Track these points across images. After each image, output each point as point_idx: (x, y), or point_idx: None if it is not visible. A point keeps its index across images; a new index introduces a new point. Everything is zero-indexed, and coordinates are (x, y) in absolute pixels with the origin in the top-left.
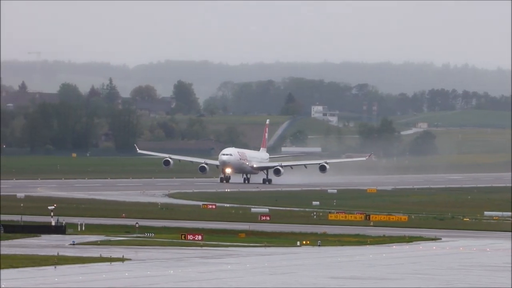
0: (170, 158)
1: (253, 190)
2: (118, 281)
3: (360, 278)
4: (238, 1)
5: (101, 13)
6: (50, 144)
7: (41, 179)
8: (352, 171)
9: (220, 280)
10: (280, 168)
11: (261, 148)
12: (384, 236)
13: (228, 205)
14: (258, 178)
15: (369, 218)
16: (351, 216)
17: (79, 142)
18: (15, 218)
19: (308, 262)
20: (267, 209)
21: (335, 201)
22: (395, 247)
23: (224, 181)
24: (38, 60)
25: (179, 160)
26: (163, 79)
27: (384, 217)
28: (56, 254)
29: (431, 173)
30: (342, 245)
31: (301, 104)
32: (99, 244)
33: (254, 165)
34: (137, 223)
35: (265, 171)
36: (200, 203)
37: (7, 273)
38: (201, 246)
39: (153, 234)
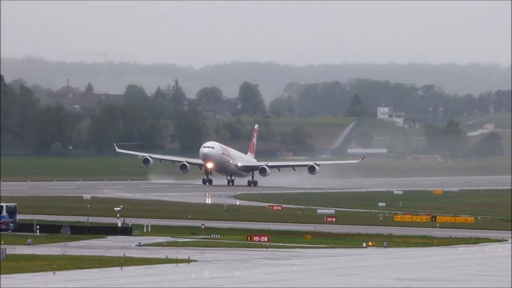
0: (150, 157)
1: (320, 191)
2: (184, 283)
3: (426, 280)
4: (304, 2)
5: (166, 15)
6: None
7: (107, 180)
8: (417, 172)
9: (286, 281)
10: (266, 167)
11: (248, 153)
12: (450, 237)
13: (294, 206)
14: (243, 181)
15: (435, 219)
16: (417, 218)
17: (145, 143)
18: (82, 219)
19: (374, 263)
20: (333, 211)
21: (401, 202)
22: (461, 248)
23: (207, 183)
24: (104, 62)
25: (160, 160)
26: (229, 80)
27: (451, 219)
28: (122, 255)
29: (497, 174)
30: (408, 247)
31: (367, 105)
32: (165, 246)
33: (239, 164)
34: (203, 224)
35: (250, 172)
36: (266, 204)
37: (74, 274)
38: (267, 247)
39: (219, 236)
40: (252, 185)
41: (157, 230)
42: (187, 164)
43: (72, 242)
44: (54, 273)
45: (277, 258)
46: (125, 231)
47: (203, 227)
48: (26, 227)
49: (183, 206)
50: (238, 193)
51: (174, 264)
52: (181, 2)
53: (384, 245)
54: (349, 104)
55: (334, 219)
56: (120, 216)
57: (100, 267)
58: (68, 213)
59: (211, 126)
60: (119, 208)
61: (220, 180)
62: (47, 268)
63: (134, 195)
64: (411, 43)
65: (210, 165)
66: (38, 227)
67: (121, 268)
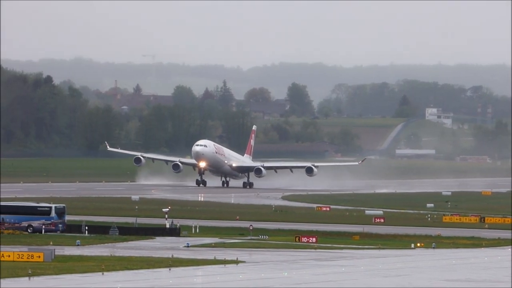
0: (142, 156)
1: (368, 192)
2: (232, 283)
3: (475, 281)
4: (353, 2)
5: (213, 16)
6: (164, 147)
7: (155, 181)
8: (465, 173)
9: (334, 282)
10: (261, 168)
11: (245, 155)
12: (499, 238)
13: (342, 207)
14: (239, 183)
15: (484, 220)
16: (466, 219)
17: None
18: (130, 220)
19: (422, 264)
20: (381, 211)
21: (449, 203)
22: (510, 249)
23: (201, 185)
24: (152, 63)
25: (153, 160)
26: (277, 82)
27: (499, 220)
28: (170, 256)
29: None
30: (457, 248)
31: (415, 106)
32: (213, 247)
33: (234, 165)
34: (251, 225)
35: (246, 174)
36: (314, 205)
37: (122, 275)
38: (315, 248)
39: (267, 237)
40: (248, 186)
41: (205, 231)
42: (180, 164)
43: (121, 243)
44: (102, 274)
45: (325, 259)
46: (174, 232)
47: (251, 228)
48: (75, 228)
49: (231, 207)
50: (286, 194)
51: (222, 265)
52: (229, 2)
53: (433, 246)
54: (397, 105)
55: (382, 220)
56: (169, 217)
57: (148, 268)
58: (117, 214)
59: (259, 127)
60: (168, 209)
61: (214, 181)
62: (95, 269)
63: (182, 196)
64: (459, 43)
65: (203, 164)
66: (86, 228)
67: (170, 269)
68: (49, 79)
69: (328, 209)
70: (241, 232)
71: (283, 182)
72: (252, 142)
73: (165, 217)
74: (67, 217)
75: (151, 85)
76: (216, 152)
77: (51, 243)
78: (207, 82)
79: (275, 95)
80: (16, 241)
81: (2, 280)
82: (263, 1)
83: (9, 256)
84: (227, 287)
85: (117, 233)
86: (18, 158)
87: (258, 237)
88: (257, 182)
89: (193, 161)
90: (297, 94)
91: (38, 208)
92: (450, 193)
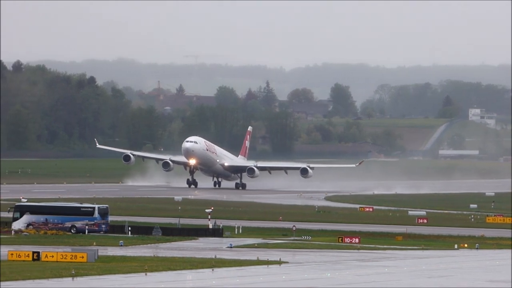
0: (132, 154)
1: (408, 192)
2: (275, 284)
3: None
4: (396, 2)
5: (256, 17)
6: None
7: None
8: (509, 174)
9: (377, 283)
10: (254, 168)
11: (240, 156)
12: None
13: (385, 207)
14: (231, 184)
15: None
16: (510, 219)
17: (236, 145)
18: (173, 221)
19: (466, 265)
20: (424, 212)
21: (493, 204)
22: None
23: (192, 186)
24: (195, 63)
25: (143, 158)
26: (319, 82)
27: None
28: (213, 257)
29: None
30: (501, 248)
31: (459, 106)
32: (256, 247)
33: (225, 164)
34: (294, 226)
35: (238, 174)
36: (357, 205)
37: (165, 275)
38: (358, 249)
39: (310, 237)
40: (240, 188)
41: (248, 232)
42: (170, 162)
43: (164, 243)
44: (145, 274)
45: (368, 259)
46: (216, 232)
47: (294, 228)
48: (118, 228)
49: (274, 208)
50: (329, 194)
51: (265, 266)
52: (272, 3)
53: (476, 247)
54: (440, 105)
55: (425, 221)
56: (211, 218)
57: (191, 269)
58: (160, 215)
59: (302, 127)
60: (210, 210)
61: (206, 183)
62: (138, 269)
63: (225, 197)
64: (503, 44)
65: (193, 161)
66: (129, 228)
67: (213, 270)
68: (92, 79)
69: (371, 209)
70: (284, 232)
71: (283, 183)
72: (247, 143)
73: (208, 218)
74: (110, 218)
75: (193, 86)
76: (207, 150)
77: (94, 244)
78: (250, 83)
79: (318, 95)
80: (60, 241)
81: (46, 280)
82: (306, 2)
83: (52, 256)
84: (270, 287)
85: (160, 234)
86: (62, 158)
87: (301, 238)
88: (250, 183)
89: (184, 159)
90: (340, 94)
91: (82, 209)
92: (493, 193)
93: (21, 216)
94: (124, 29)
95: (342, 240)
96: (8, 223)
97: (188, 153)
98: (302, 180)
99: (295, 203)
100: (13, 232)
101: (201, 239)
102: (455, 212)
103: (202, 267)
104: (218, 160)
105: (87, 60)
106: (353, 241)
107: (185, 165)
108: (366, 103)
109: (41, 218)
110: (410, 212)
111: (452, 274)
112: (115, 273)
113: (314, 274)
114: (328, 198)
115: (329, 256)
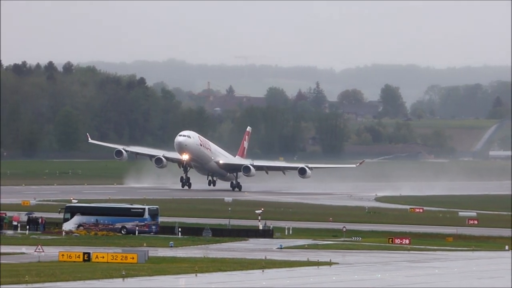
0: (124, 149)
1: (459, 193)
2: (325, 285)
3: None
4: (445, 2)
5: (306, 18)
6: (257, 148)
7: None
8: None
9: (427, 284)
10: (250, 166)
11: (237, 156)
12: None
13: (435, 208)
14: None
15: None
16: None
17: (286, 146)
18: (223, 221)
19: None
20: (475, 213)
21: None
22: None
23: (186, 186)
24: (245, 64)
25: (136, 155)
26: (369, 83)
27: None
28: (263, 258)
29: None
30: None
31: (509, 107)
32: (306, 248)
33: (220, 161)
34: (344, 227)
35: (234, 174)
36: (408, 206)
37: (215, 276)
38: (409, 250)
39: (360, 238)
40: (236, 188)
41: (298, 233)
42: (163, 158)
43: (214, 244)
44: (196, 275)
45: (418, 260)
46: (267, 233)
47: (344, 229)
48: (168, 229)
49: (324, 209)
50: (379, 195)
51: (316, 267)
52: (321, 3)
53: None
54: (490, 106)
55: (476, 222)
56: (262, 219)
57: (241, 270)
58: (210, 216)
59: (352, 128)
60: (261, 211)
61: (201, 184)
62: (189, 270)
63: (275, 198)
64: None
65: (186, 157)
66: (180, 229)
67: (263, 271)
68: (142, 80)
69: (421, 210)
70: (334, 233)
71: (283, 184)
72: (245, 143)
73: (258, 219)
74: (160, 219)
75: (243, 87)
76: (201, 145)
77: (144, 245)
78: (300, 84)
79: (368, 96)
80: (110, 242)
81: (96, 281)
82: (356, 2)
83: (103, 257)
84: None
85: (210, 235)
86: (112, 159)
87: (351, 239)
88: (246, 184)
89: (178, 156)
90: (390, 95)
91: (132, 210)
92: None
93: (71, 217)
94: (175, 30)
95: (392, 241)
96: (59, 224)
97: (181, 148)
98: (301, 181)
99: (345, 204)
100: (63, 233)
101: (251, 240)
102: (506, 213)
103: (252, 268)
104: (212, 157)
105: (137, 61)
106: (403, 242)
107: (179, 162)
108: (416, 104)
109: (91, 219)
110: (460, 213)
111: (503, 275)
112: (165, 274)
113: (364, 275)
114: (378, 199)
115: (379, 257)
